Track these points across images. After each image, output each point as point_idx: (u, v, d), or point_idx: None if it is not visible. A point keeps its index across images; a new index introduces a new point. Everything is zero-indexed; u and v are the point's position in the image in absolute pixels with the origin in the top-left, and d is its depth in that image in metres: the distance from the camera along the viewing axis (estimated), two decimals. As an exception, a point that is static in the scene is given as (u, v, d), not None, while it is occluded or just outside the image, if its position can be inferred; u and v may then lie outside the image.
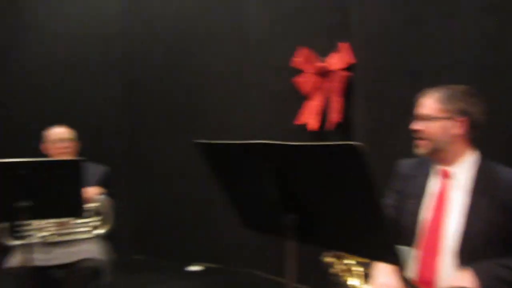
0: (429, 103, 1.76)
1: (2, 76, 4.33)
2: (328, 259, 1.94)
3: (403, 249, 1.27)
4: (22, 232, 2.48)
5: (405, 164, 1.94)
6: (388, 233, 1.15)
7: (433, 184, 1.80)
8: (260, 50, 3.84)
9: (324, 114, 3.42)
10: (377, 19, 2.91)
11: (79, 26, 4.37)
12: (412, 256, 1.75)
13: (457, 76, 2.49)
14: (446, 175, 1.77)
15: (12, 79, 4.32)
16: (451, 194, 1.74)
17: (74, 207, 2.21)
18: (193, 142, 1.38)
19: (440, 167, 1.80)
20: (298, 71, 3.53)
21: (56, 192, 2.12)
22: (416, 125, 1.78)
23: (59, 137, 2.79)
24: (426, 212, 1.76)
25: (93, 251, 2.57)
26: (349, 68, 3.24)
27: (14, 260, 2.44)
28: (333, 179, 1.17)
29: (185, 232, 4.18)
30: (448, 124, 1.73)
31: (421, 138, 1.76)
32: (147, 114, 4.40)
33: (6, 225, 2.51)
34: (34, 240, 2.49)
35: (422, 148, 1.77)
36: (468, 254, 1.63)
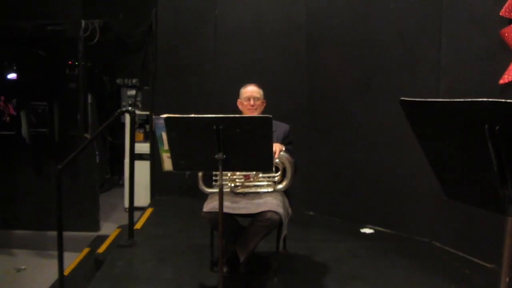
0: None
1: (202, 42, 4.86)
2: None
3: None
4: (216, 182, 2.72)
5: None
6: None
7: None
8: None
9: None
10: None
11: None
12: None
13: None
14: None
15: (207, 45, 4.84)
16: None
17: (265, 162, 2.30)
18: (400, 101, 1.24)
19: None
20: (506, 21, 2.99)
21: (249, 147, 2.22)
22: None
23: (251, 95, 2.97)
24: None
25: (274, 204, 2.67)
26: None
27: (210, 205, 2.69)
28: None
29: (361, 195, 4.10)
30: None
31: None
32: (335, 74, 4.31)
33: (204, 174, 2.79)
34: (226, 189, 2.70)
35: None
36: None
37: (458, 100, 1.11)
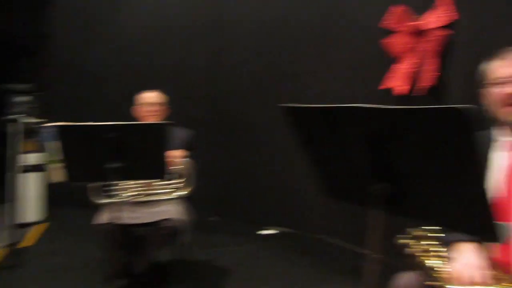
0: None
1: (101, 45, 4.67)
2: (404, 241, 1.82)
3: (502, 225, 1.12)
4: (110, 192, 2.62)
5: None
6: (489, 207, 1.02)
7: (499, 159, 1.59)
8: (349, 9, 3.63)
9: (414, 78, 3.17)
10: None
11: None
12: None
13: None
14: None
15: (107, 48, 4.68)
16: None
17: (156, 169, 2.26)
18: (278, 107, 1.30)
19: (507, 139, 1.58)
20: (388, 32, 3.28)
21: (141, 154, 2.17)
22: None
23: (148, 101, 2.88)
24: (495, 191, 1.56)
25: (175, 212, 2.64)
26: (447, 26, 2.94)
27: (103, 217, 2.58)
28: (434, 146, 1.05)
29: (261, 197, 4.22)
30: None
31: None
32: (233, 79, 4.39)
33: (96, 184, 2.66)
34: (121, 199, 2.61)
35: None
36: None
37: (334, 106, 1.19)
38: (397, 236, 1.88)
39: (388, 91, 3.29)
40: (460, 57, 2.71)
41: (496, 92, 1.56)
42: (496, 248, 1.57)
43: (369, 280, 1.27)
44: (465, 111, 0.93)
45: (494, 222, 1.04)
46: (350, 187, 1.33)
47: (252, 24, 4.23)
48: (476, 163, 1.00)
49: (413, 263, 1.67)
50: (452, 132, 0.98)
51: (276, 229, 4.08)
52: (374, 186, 1.18)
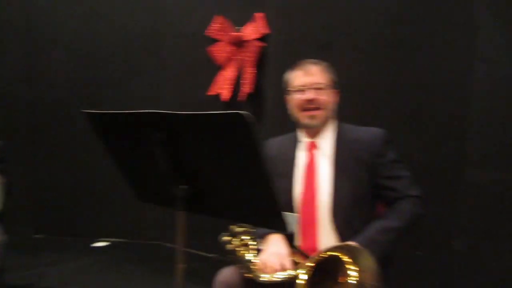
0: (319, 72, 1.76)
1: None
2: (225, 238, 1.94)
3: (290, 215, 1.27)
4: None
5: (272, 144, 1.93)
6: (276, 200, 1.14)
7: (301, 158, 1.81)
8: (175, 18, 3.69)
9: (237, 85, 3.40)
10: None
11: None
12: (297, 224, 1.76)
13: (365, 49, 2.57)
14: (313, 147, 1.80)
15: None
16: (319, 165, 1.77)
17: None
18: (82, 112, 1.28)
19: (307, 140, 1.82)
20: (214, 40, 3.45)
21: None
22: (311, 95, 1.73)
23: None
24: (298, 187, 1.77)
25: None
26: (263, 38, 3.22)
27: None
28: (221, 148, 1.13)
29: (89, 208, 4.02)
30: (332, 94, 1.79)
31: (316, 108, 1.74)
32: (49, 86, 4.07)
33: None
34: None
35: (318, 118, 1.75)
36: (340, 217, 1.68)
37: (130, 112, 1.21)
38: (221, 233, 2.00)
39: (216, 97, 3.45)
40: (272, 66, 2.99)
41: (296, 98, 1.76)
42: (299, 237, 1.75)
43: (181, 276, 1.32)
44: (246, 115, 1.02)
45: (281, 214, 1.15)
46: (157, 191, 1.37)
47: (70, 25, 4.01)
48: (260, 163, 1.08)
49: (235, 258, 1.77)
50: (237, 134, 1.06)
51: (110, 241, 3.93)
52: (175, 189, 1.24)
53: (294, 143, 1.86)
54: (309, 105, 1.73)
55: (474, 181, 2.24)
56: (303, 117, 1.76)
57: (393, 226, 1.63)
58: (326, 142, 1.79)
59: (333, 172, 1.73)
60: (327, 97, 1.75)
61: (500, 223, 2.17)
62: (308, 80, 1.74)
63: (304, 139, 1.83)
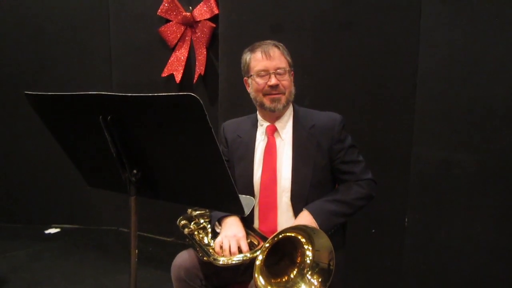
0: (279, 56, 1.74)
1: None
2: (183, 222, 1.93)
3: (246, 198, 1.27)
4: None
5: (229, 126, 1.92)
6: (230, 182, 1.13)
7: (261, 142, 1.82)
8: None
9: (190, 66, 3.34)
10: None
11: None
12: (254, 208, 1.77)
13: (315, 30, 2.57)
14: (273, 131, 1.81)
15: None
16: (279, 149, 1.78)
17: None
18: (24, 94, 1.20)
19: (267, 124, 1.82)
20: (164, 21, 3.36)
21: None
22: (275, 80, 1.72)
23: None
24: (258, 170, 1.78)
25: None
26: (214, 19, 3.16)
27: None
28: (171, 132, 1.11)
29: (40, 195, 3.89)
30: (291, 77, 1.79)
31: (280, 93, 1.73)
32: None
33: None
34: None
35: (282, 102, 1.74)
36: (300, 201, 1.71)
37: (75, 93, 1.15)
38: (179, 218, 1.98)
39: (171, 78, 3.38)
40: (223, 48, 2.94)
41: (258, 82, 1.74)
42: (258, 220, 1.77)
43: (134, 261, 1.30)
44: (193, 97, 0.98)
45: (236, 196, 1.14)
46: (108, 176, 1.32)
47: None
48: (212, 145, 1.06)
49: (192, 242, 1.76)
50: (187, 117, 1.04)
51: (66, 226, 3.83)
52: (126, 173, 1.20)
53: (253, 126, 1.86)
54: (273, 91, 1.73)
55: (422, 159, 2.32)
56: (267, 101, 1.75)
57: (345, 199, 1.69)
58: (286, 126, 1.80)
59: (293, 157, 1.74)
60: (288, 82, 1.75)
61: (447, 199, 2.27)
62: (270, 64, 1.72)
63: (264, 123, 1.83)
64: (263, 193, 1.75)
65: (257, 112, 1.88)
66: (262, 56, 1.74)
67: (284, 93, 1.74)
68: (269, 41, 1.79)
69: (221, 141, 1.91)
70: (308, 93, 2.51)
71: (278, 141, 1.79)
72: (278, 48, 1.76)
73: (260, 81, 1.74)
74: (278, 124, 1.80)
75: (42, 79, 3.72)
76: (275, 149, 1.77)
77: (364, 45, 2.46)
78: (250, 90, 1.82)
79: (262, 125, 1.83)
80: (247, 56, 1.80)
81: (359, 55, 2.47)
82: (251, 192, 1.77)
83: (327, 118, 1.79)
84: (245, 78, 1.83)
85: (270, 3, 2.70)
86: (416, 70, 2.31)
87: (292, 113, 1.82)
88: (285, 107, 1.77)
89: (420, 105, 2.32)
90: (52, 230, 3.77)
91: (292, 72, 1.80)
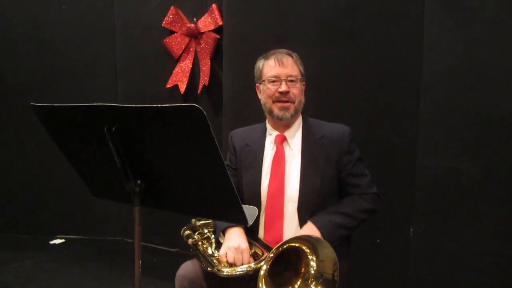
0: (292, 64, 1.76)
1: None
2: (187, 232, 1.93)
3: (249, 208, 1.27)
4: None
5: (237, 135, 1.92)
6: (234, 193, 1.13)
7: (269, 151, 1.82)
8: (130, 9, 3.59)
9: (195, 77, 3.36)
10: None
11: None
12: (260, 217, 1.77)
13: (318, 41, 2.58)
14: (282, 140, 1.81)
15: None
16: (288, 159, 1.78)
17: None
18: (30, 105, 1.22)
19: (276, 133, 1.83)
20: (169, 32, 3.39)
21: None
22: (286, 87, 1.73)
23: None
24: (266, 179, 1.78)
25: None
26: (218, 30, 3.19)
27: None
28: (176, 142, 1.12)
29: (46, 205, 3.89)
30: (303, 87, 1.80)
31: (289, 101, 1.75)
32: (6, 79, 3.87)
33: None
34: None
35: (290, 111, 1.75)
36: (306, 211, 1.71)
37: (80, 105, 1.16)
38: (183, 228, 1.98)
39: (175, 89, 3.40)
40: (227, 59, 2.96)
41: (269, 88, 1.76)
42: (261, 231, 1.76)
43: (138, 271, 1.30)
44: (198, 108, 0.99)
45: (240, 207, 1.13)
46: (112, 186, 1.33)
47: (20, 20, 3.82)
48: (215, 156, 1.06)
49: (196, 252, 1.75)
50: (190, 127, 1.05)
51: (67, 238, 3.83)
52: (130, 184, 1.21)
53: (262, 135, 1.86)
54: (282, 97, 1.74)
55: (427, 169, 2.31)
56: (276, 108, 1.76)
57: (349, 212, 1.69)
58: (295, 136, 1.81)
59: (302, 167, 1.75)
60: (299, 90, 1.77)
61: (452, 208, 2.25)
62: (282, 71, 1.74)
63: (273, 132, 1.84)
64: (270, 202, 1.75)
65: (266, 121, 1.89)
66: (275, 63, 1.76)
67: (293, 102, 1.75)
68: (283, 49, 1.81)
69: (229, 150, 1.92)
70: (312, 104, 2.52)
71: (287, 150, 1.79)
72: (292, 57, 1.78)
73: (271, 87, 1.76)
74: (287, 134, 1.81)
75: (48, 90, 3.75)
76: (283, 159, 1.78)
77: (367, 55, 2.47)
78: (261, 96, 1.83)
79: (271, 134, 1.84)
80: (260, 63, 1.83)
81: (363, 65, 2.48)
82: (257, 201, 1.77)
83: (336, 130, 1.80)
84: (257, 84, 1.85)
85: (273, 14, 2.72)
86: (420, 79, 2.31)
87: (301, 123, 1.83)
88: (293, 116, 1.78)
89: (424, 114, 2.32)
90: (57, 241, 3.78)
91: (304, 83, 1.81)
